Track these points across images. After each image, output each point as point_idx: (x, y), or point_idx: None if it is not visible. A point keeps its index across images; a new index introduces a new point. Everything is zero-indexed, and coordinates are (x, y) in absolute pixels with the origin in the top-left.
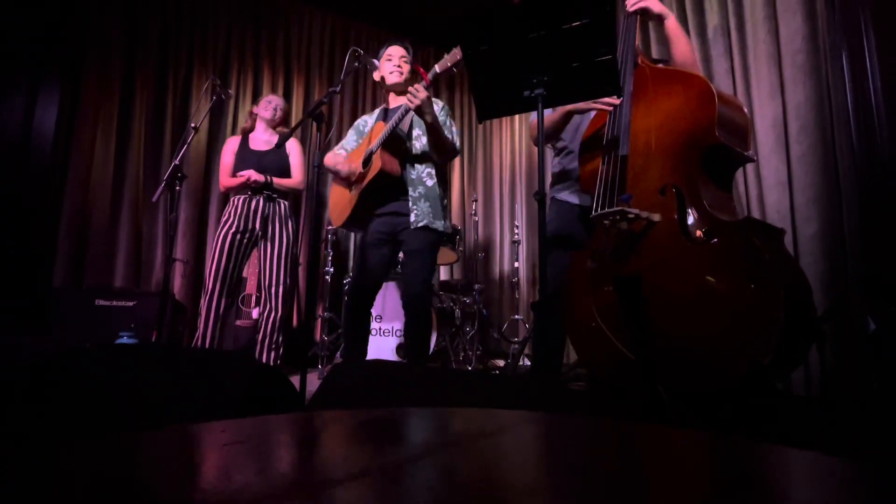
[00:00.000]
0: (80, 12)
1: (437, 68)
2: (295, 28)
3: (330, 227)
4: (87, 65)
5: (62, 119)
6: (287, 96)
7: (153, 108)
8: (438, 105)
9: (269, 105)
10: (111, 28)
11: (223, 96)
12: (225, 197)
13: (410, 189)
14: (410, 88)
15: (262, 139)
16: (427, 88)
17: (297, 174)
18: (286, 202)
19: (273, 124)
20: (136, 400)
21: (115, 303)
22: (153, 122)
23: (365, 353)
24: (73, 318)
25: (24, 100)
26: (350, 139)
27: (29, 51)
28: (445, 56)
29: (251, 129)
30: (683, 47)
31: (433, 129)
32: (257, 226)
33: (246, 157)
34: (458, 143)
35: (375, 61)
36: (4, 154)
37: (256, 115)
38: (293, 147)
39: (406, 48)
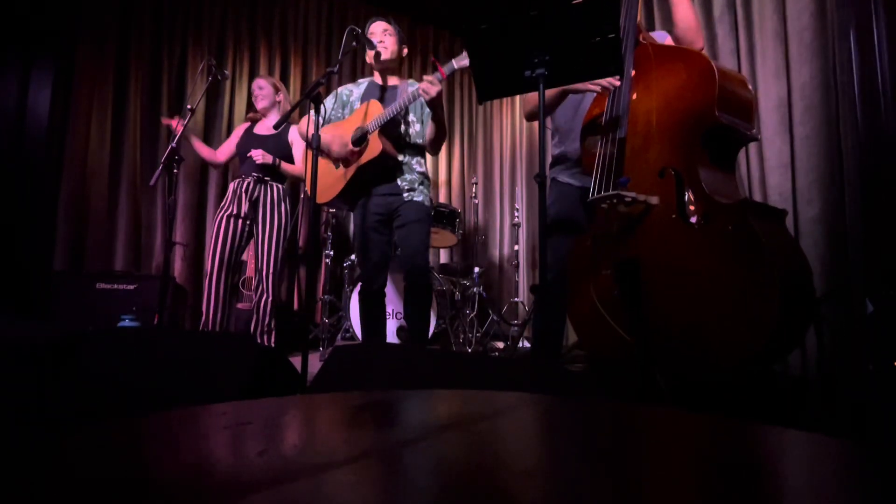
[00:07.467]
0: None
1: (454, 64)
2: (291, 7)
3: (330, 211)
4: (81, 45)
5: (56, 102)
6: (284, 77)
7: (148, 90)
8: (415, 86)
9: (261, 93)
10: (105, 8)
11: (219, 77)
12: (225, 179)
13: (403, 171)
14: (427, 78)
15: (268, 124)
16: (441, 82)
17: (300, 163)
18: (281, 185)
19: (272, 106)
20: (140, 383)
21: (116, 286)
22: (149, 104)
23: (384, 334)
24: (74, 302)
25: (17, 82)
26: (330, 106)
27: (21, 32)
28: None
29: (260, 117)
30: (686, 10)
31: (439, 123)
32: (247, 208)
33: (250, 141)
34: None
35: (375, 41)
36: None
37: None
38: (295, 137)
39: (388, 21)
